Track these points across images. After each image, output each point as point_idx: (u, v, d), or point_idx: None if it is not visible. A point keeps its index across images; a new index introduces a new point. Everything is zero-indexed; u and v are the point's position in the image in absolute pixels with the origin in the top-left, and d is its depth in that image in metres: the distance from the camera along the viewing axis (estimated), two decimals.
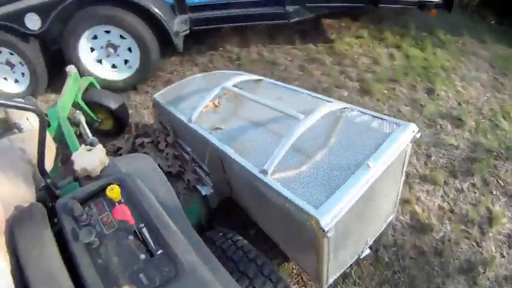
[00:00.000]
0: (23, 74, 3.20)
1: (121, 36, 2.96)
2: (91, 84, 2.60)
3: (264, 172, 1.41)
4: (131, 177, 1.12)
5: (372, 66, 2.98)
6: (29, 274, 0.89)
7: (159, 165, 1.38)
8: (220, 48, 3.39)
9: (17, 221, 1.01)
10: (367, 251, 1.74)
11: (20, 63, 3.11)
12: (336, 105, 1.64)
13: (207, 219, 1.90)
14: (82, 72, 3.01)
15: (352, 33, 3.33)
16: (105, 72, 3.14)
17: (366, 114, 1.60)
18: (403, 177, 1.69)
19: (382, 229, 1.84)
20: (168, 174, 2.16)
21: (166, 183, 1.27)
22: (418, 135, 1.47)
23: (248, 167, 1.48)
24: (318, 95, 1.85)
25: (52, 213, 1.07)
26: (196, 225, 1.80)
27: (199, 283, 0.88)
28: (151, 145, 2.33)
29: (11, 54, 3.06)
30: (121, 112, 2.59)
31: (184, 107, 2.02)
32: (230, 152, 1.59)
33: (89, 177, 1.22)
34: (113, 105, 2.53)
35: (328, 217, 1.21)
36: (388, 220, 1.86)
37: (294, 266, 1.87)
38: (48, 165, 1.46)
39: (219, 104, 1.95)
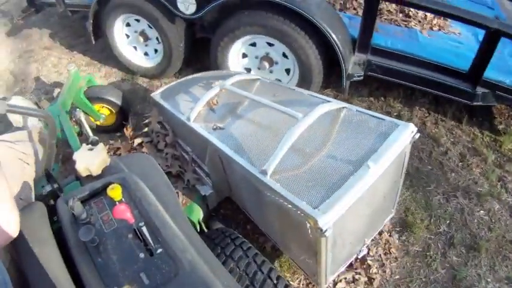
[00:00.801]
0: (155, 51, 3.00)
1: (283, 54, 2.56)
2: (90, 82, 2.61)
3: (264, 172, 1.41)
4: (132, 177, 1.12)
5: None
6: (27, 272, 0.89)
7: (159, 164, 1.39)
8: (382, 98, 2.95)
9: None
10: (365, 251, 1.75)
11: (157, 38, 2.88)
12: (334, 104, 1.64)
13: (206, 219, 1.91)
14: None
15: None
16: None
17: (365, 113, 1.60)
18: (403, 178, 1.69)
19: (380, 229, 1.85)
20: (168, 174, 2.15)
21: (167, 183, 1.27)
22: (417, 136, 1.47)
23: (248, 168, 1.48)
24: (316, 95, 1.85)
25: (52, 212, 1.07)
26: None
27: (199, 282, 0.88)
28: (150, 145, 2.32)
29: (150, 27, 2.82)
30: (122, 105, 2.61)
31: (182, 106, 2.02)
32: (230, 152, 1.59)
33: (90, 177, 1.22)
34: (114, 98, 2.54)
35: (326, 217, 1.22)
36: (386, 220, 1.87)
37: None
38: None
39: (217, 102, 1.95)
